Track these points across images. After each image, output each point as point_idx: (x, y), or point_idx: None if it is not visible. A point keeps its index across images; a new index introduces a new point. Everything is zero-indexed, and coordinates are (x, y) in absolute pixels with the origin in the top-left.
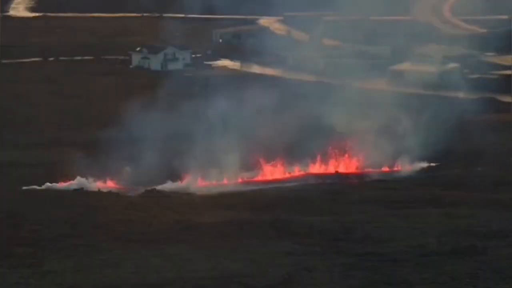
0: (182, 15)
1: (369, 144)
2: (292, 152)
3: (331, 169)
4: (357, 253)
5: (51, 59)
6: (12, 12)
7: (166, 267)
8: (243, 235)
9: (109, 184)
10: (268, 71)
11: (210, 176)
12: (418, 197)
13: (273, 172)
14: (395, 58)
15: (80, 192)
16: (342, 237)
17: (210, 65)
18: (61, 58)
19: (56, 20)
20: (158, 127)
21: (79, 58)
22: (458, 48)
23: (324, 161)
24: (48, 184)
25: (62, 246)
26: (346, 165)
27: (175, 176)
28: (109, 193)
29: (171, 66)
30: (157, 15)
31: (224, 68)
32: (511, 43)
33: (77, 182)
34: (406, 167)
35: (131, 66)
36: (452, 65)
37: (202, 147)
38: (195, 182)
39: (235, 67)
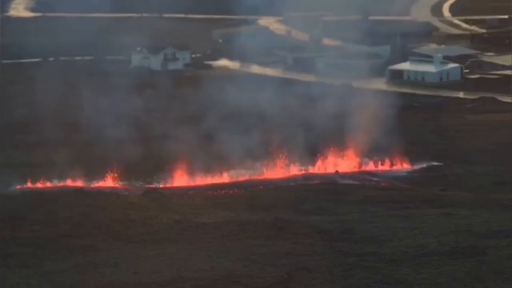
0: (182, 15)
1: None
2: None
3: (331, 169)
4: (357, 253)
5: (51, 59)
6: (12, 12)
7: (166, 267)
8: (243, 235)
9: (109, 184)
10: (268, 71)
11: None
12: (418, 197)
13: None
14: (395, 58)
15: (80, 192)
16: (342, 237)
17: (210, 65)
18: (61, 58)
19: (56, 20)
20: None
21: (79, 58)
22: (458, 48)
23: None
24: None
25: (62, 246)
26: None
27: None
28: (109, 193)
29: (171, 66)
30: (157, 15)
31: (224, 68)
32: (511, 43)
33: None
34: (406, 166)
35: (131, 66)
36: (452, 65)
37: None
38: None
39: (235, 67)
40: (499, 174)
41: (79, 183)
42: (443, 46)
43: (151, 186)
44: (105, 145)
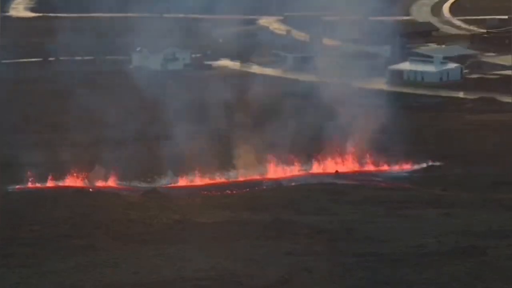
0: (182, 15)
1: None
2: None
3: (331, 169)
4: (357, 253)
5: (51, 59)
6: (12, 12)
7: (166, 267)
8: (243, 235)
9: (110, 184)
10: (268, 71)
11: None
12: (418, 197)
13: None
14: (395, 58)
15: (80, 192)
16: (342, 237)
17: (210, 65)
18: (61, 58)
19: (56, 20)
20: None
21: (79, 58)
22: (458, 48)
23: None
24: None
25: (62, 246)
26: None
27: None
28: (109, 193)
29: (171, 66)
30: (157, 15)
31: (224, 68)
32: (511, 43)
33: None
34: (406, 167)
35: (131, 66)
36: (452, 65)
37: None
38: None
39: (235, 67)
40: (499, 174)
41: (79, 183)
42: (443, 46)
43: (151, 186)
44: None
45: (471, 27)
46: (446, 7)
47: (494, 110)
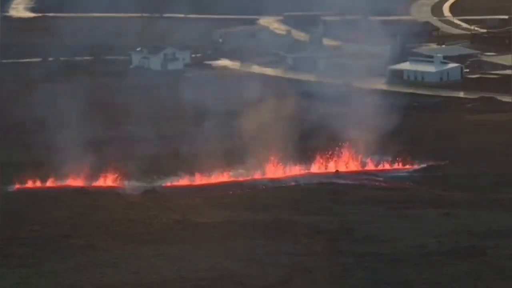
0: (182, 15)
1: None
2: None
3: (331, 169)
4: (357, 253)
5: (51, 59)
6: (12, 12)
7: (166, 267)
8: (243, 235)
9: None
10: (268, 71)
11: None
12: (418, 197)
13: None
14: (395, 58)
15: (80, 192)
16: (342, 237)
17: (210, 65)
18: (61, 58)
19: (56, 20)
20: None
21: (79, 58)
22: (458, 48)
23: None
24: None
25: (62, 246)
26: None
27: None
28: (109, 193)
29: (171, 66)
30: (157, 15)
31: (224, 67)
32: (511, 43)
33: None
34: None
35: (131, 66)
36: (452, 65)
37: None
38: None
39: (235, 67)
40: (499, 174)
41: (79, 183)
42: (443, 46)
43: (151, 186)
44: None
45: (471, 27)
46: (446, 7)
47: (494, 110)
